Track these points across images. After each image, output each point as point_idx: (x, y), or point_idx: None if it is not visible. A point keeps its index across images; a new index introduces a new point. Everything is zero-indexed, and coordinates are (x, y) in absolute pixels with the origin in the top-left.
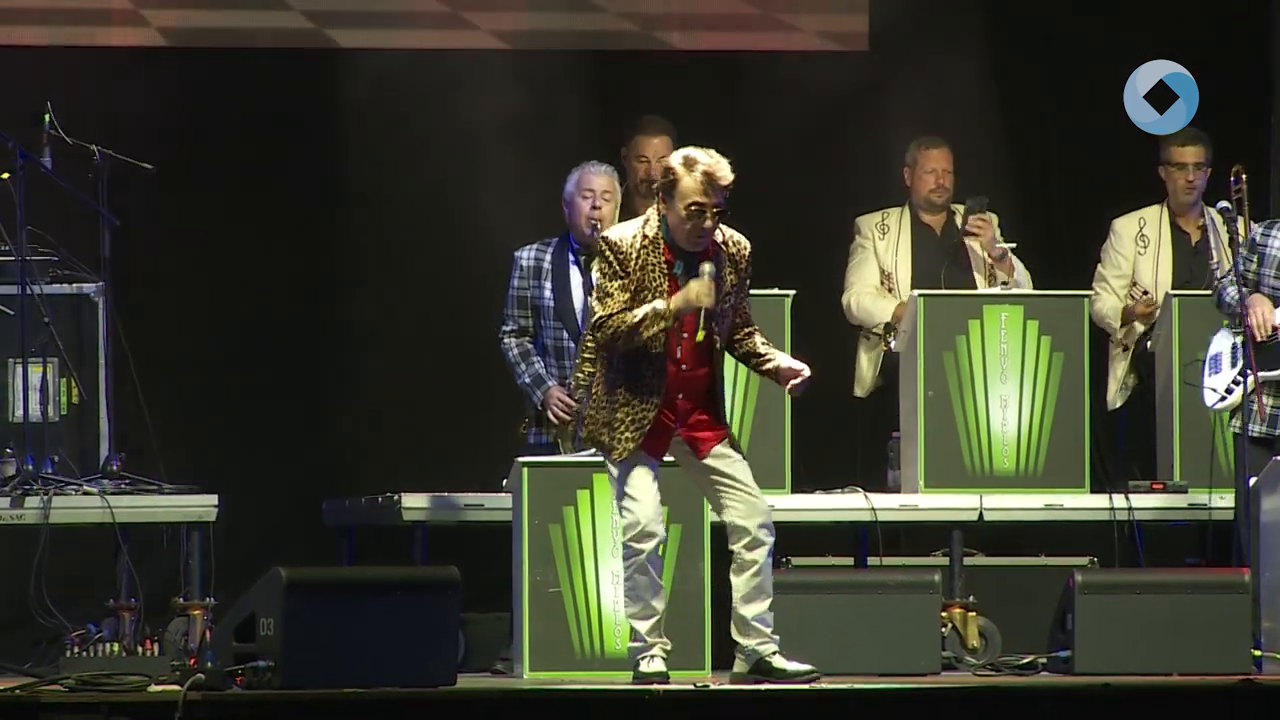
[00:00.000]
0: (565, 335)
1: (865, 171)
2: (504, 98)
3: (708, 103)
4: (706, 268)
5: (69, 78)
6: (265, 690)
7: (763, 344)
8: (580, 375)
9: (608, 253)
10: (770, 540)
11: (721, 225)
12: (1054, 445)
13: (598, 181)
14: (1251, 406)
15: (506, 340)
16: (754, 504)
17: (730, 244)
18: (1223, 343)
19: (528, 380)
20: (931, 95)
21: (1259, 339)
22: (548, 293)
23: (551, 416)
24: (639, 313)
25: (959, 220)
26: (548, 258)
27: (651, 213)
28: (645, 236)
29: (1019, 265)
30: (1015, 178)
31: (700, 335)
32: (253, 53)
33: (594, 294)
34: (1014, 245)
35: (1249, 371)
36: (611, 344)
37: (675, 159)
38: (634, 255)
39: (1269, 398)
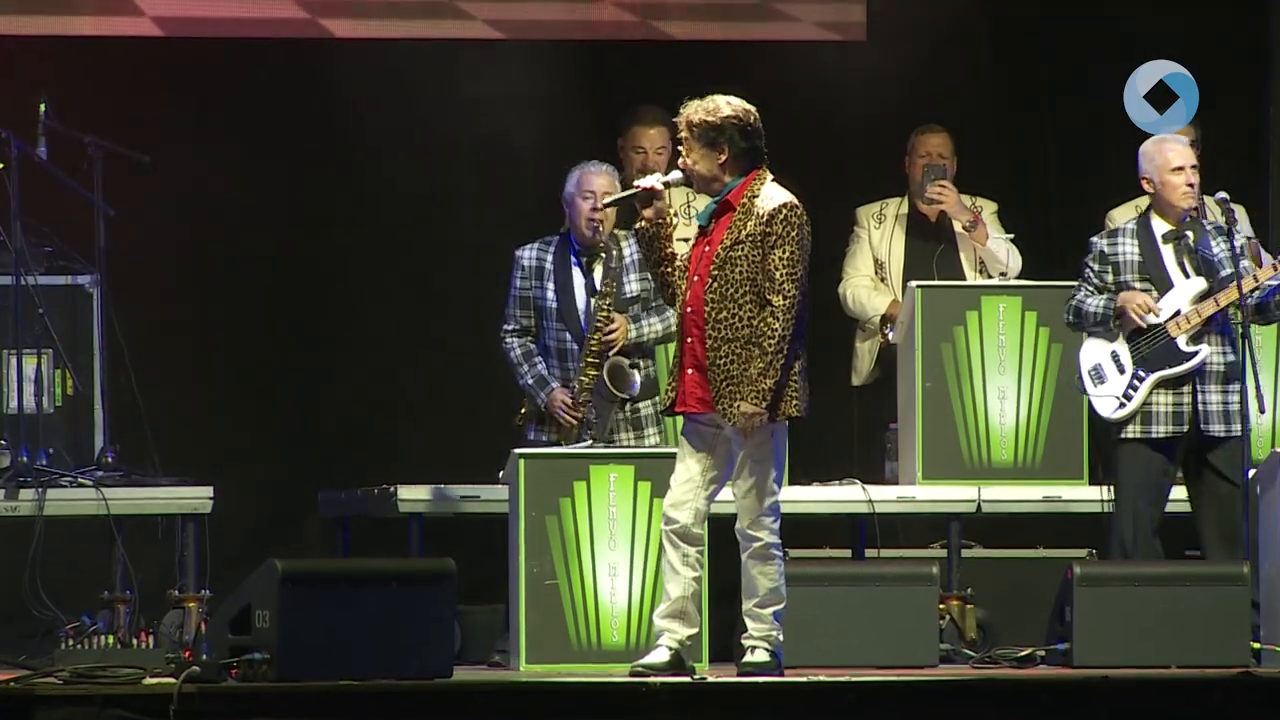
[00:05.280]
0: (569, 337)
1: (862, 162)
2: (500, 88)
3: (705, 93)
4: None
5: (64, 68)
6: (260, 682)
7: (763, 353)
8: (584, 379)
9: None
10: (753, 543)
11: (761, 181)
12: (1052, 437)
13: (598, 181)
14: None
15: (508, 340)
16: (743, 505)
17: (759, 196)
18: (1098, 352)
19: (530, 382)
20: (929, 86)
21: (1147, 325)
22: (550, 294)
23: (558, 419)
24: None
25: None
26: (550, 258)
27: None
28: None
29: (999, 238)
30: (1014, 168)
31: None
32: (248, 43)
33: None
34: (1012, 236)
35: (1143, 373)
36: (650, 266)
37: None
38: None
39: (1168, 396)
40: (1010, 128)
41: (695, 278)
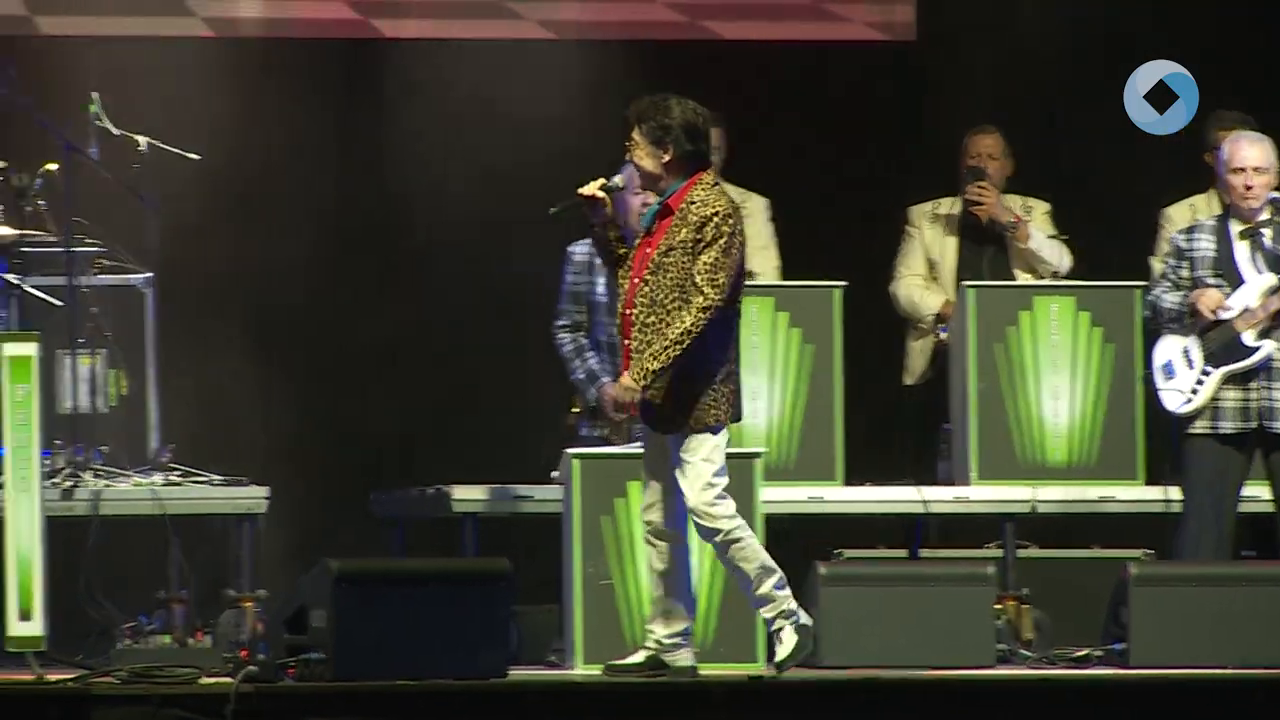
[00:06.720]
0: (618, 331)
1: (913, 161)
2: (550, 88)
3: (756, 93)
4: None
5: (115, 68)
6: (317, 682)
7: (663, 339)
8: None
9: None
10: (713, 538)
11: (702, 187)
12: (1107, 437)
13: None
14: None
15: (560, 335)
16: (690, 512)
17: (695, 203)
18: (1171, 348)
19: (581, 377)
20: (979, 84)
21: (1216, 318)
22: (600, 288)
23: (608, 414)
24: None
25: (1011, 207)
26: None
27: None
28: None
29: (1050, 238)
30: (1066, 166)
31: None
32: (298, 43)
33: None
34: (1065, 236)
35: (1210, 368)
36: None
37: None
38: None
39: (1236, 392)
40: (1062, 125)
41: (635, 279)
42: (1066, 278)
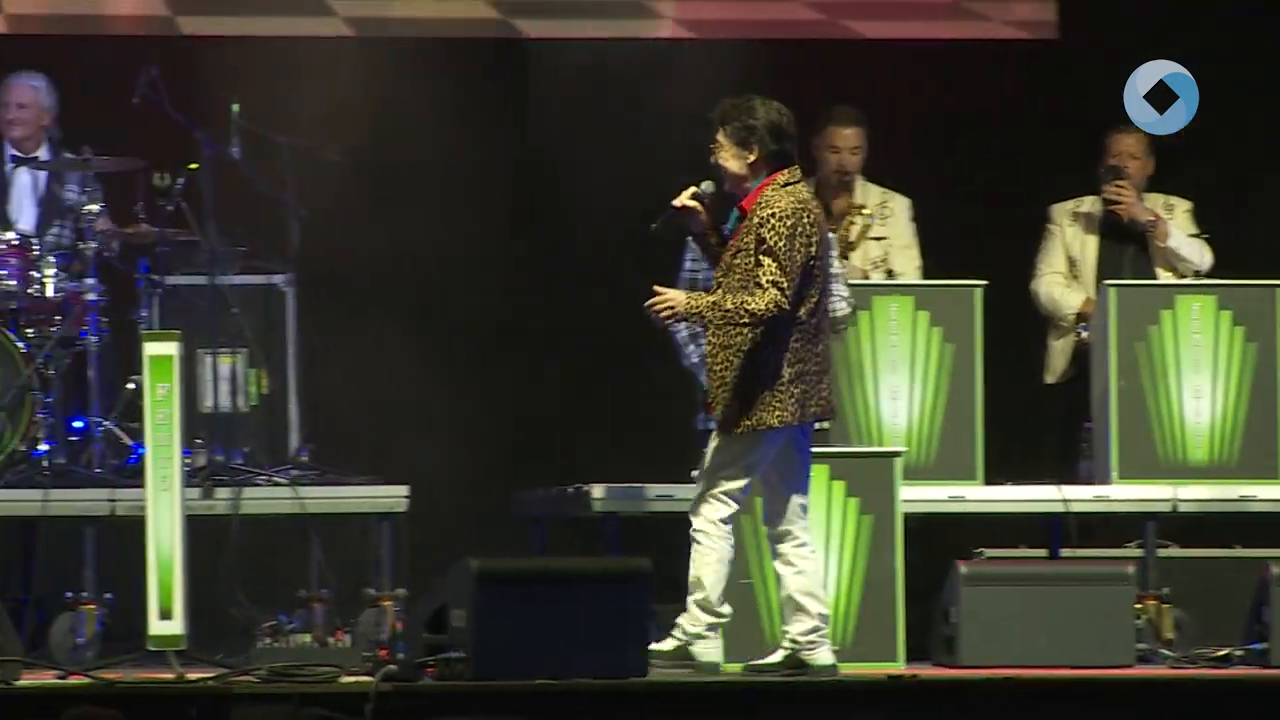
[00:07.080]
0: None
1: (1056, 160)
2: (691, 87)
3: (897, 92)
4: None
5: (256, 68)
6: (456, 681)
7: (729, 300)
8: None
9: None
10: (691, 527)
11: (772, 187)
12: (1248, 436)
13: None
14: None
15: (675, 323)
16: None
17: (761, 204)
18: None
19: (695, 361)
20: (1123, 83)
21: None
22: None
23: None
24: None
25: (1150, 206)
26: None
27: None
28: None
29: (1190, 236)
30: (1210, 165)
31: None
32: (438, 43)
33: None
34: (1208, 234)
35: None
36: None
37: None
38: None
39: None
40: (1204, 125)
41: (715, 282)
42: (1208, 276)
